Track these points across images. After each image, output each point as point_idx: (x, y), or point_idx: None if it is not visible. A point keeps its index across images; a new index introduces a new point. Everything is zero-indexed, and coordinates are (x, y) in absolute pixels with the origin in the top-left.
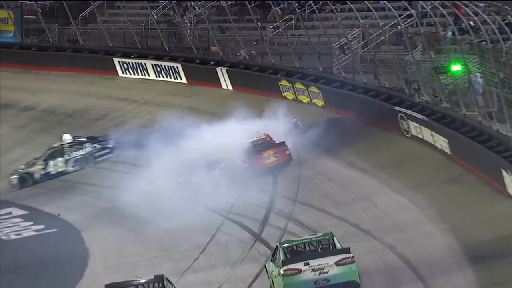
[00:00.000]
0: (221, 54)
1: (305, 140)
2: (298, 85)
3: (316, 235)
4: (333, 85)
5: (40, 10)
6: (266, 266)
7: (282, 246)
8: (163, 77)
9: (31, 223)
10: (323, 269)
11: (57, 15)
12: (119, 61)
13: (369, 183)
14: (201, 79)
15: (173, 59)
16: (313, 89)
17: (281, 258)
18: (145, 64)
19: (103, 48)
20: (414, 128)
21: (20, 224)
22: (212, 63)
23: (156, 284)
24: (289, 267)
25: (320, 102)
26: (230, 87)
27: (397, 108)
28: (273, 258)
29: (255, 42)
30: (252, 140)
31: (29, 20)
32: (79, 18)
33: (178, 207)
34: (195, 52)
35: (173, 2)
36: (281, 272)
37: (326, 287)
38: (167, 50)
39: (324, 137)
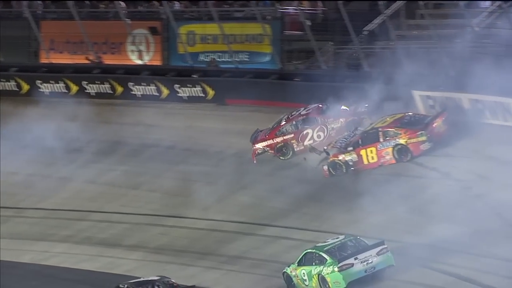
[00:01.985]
0: None
1: None
2: None
3: (343, 238)
4: None
5: (308, 23)
6: (289, 271)
7: (322, 250)
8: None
9: None
10: (369, 260)
11: (333, 29)
12: (421, 95)
13: None
14: None
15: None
16: None
17: (329, 259)
18: (461, 99)
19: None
20: None
21: None
22: None
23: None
24: (344, 263)
25: None
26: None
27: None
28: (304, 262)
29: None
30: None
31: (292, 37)
32: (364, 33)
33: None
34: None
35: None
36: (337, 268)
37: (373, 274)
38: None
39: None
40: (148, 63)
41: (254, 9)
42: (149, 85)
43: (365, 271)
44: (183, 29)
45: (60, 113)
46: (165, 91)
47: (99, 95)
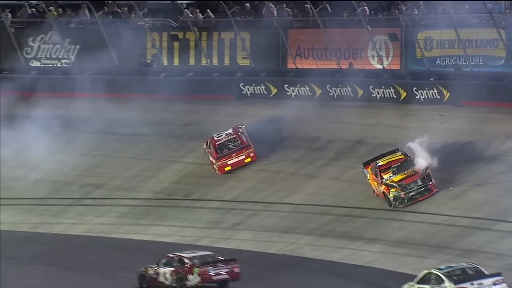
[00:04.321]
0: None
1: None
2: None
3: (462, 264)
4: None
5: None
6: None
7: (441, 272)
8: None
9: None
10: (483, 286)
11: None
12: None
13: None
14: None
15: None
16: None
17: (447, 282)
18: None
19: None
20: None
21: None
22: None
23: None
24: (460, 285)
25: None
26: None
27: None
28: (423, 282)
29: None
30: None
31: None
32: None
33: None
34: None
35: None
36: None
37: None
38: None
39: None
40: (387, 68)
41: (490, 15)
42: (388, 88)
43: None
44: (420, 35)
45: (303, 115)
46: (403, 94)
47: (340, 98)
